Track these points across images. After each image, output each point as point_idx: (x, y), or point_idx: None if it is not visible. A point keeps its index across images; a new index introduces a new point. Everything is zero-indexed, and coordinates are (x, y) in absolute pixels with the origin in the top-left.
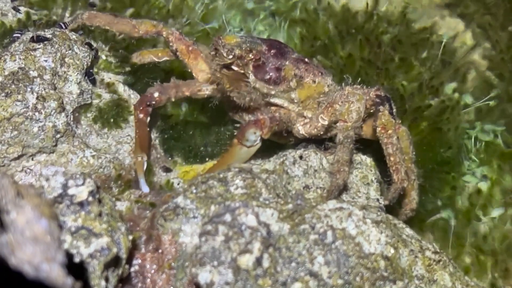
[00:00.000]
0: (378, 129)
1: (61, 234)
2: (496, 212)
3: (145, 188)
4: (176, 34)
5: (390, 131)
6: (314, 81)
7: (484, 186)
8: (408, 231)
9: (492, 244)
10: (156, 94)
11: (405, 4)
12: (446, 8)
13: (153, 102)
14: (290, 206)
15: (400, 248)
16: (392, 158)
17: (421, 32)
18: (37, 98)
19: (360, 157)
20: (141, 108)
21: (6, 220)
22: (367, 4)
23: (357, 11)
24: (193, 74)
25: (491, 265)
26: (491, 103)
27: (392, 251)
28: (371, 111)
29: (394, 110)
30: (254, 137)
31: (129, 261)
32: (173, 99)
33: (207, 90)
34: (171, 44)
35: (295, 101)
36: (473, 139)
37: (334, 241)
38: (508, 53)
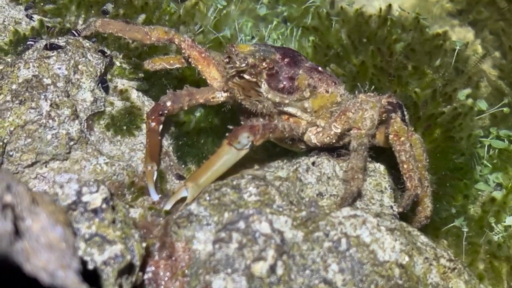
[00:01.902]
0: (391, 136)
1: (75, 241)
2: (510, 220)
3: (155, 197)
4: (188, 41)
5: (402, 138)
6: (328, 91)
7: (498, 195)
8: (423, 238)
9: (507, 251)
10: (168, 103)
11: (416, 15)
12: (458, 15)
13: (166, 111)
14: (303, 213)
15: (414, 255)
16: (405, 166)
17: (434, 38)
18: (50, 105)
19: (373, 165)
20: (153, 117)
21: (22, 227)
22: (380, 9)
23: (371, 15)
24: (207, 81)
25: (506, 271)
26: (505, 109)
27: (407, 258)
28: (383, 118)
29: (407, 117)
30: (246, 141)
31: (143, 268)
32: (185, 108)
33: (221, 97)
34: (183, 51)
35: (308, 110)
36: (486, 147)
37: (348, 249)
38: None
